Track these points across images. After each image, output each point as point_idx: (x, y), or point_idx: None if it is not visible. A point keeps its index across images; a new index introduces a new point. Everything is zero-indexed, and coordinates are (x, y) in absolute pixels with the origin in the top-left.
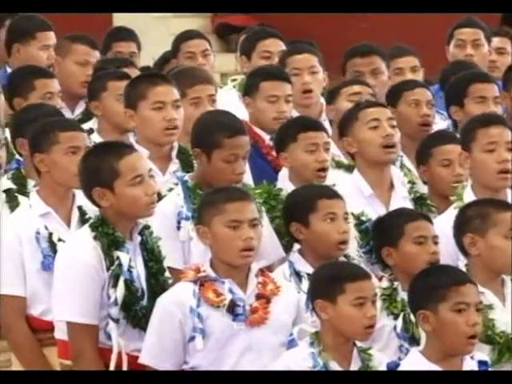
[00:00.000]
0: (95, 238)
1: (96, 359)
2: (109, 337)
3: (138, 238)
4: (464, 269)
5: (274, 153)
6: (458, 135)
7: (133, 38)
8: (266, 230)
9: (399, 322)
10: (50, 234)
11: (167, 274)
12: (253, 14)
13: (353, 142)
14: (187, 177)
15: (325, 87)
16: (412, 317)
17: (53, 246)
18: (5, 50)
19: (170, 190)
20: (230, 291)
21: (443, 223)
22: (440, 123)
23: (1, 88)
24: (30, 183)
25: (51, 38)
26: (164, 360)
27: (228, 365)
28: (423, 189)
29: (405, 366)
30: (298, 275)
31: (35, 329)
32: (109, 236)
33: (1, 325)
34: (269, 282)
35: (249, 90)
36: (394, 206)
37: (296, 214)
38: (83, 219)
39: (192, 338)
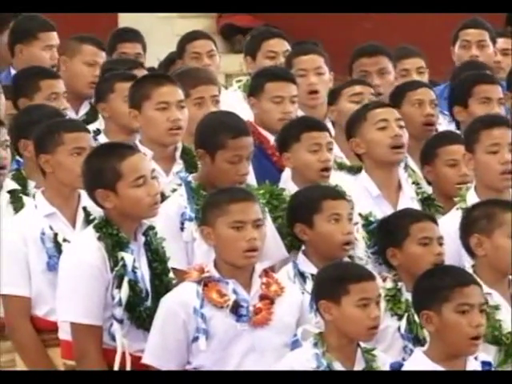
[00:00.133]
0: (99, 238)
1: (99, 360)
2: (113, 337)
3: (143, 239)
4: (470, 270)
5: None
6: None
7: (138, 38)
8: (269, 230)
9: (403, 323)
10: (55, 235)
11: (171, 274)
12: (257, 14)
13: (361, 143)
14: (191, 177)
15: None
16: (416, 317)
17: (58, 247)
18: (8, 52)
19: (174, 190)
20: (234, 292)
21: (446, 224)
22: (443, 124)
23: (1, 88)
24: (31, 184)
25: (54, 38)
26: (167, 360)
27: (231, 365)
28: (427, 189)
29: (408, 366)
30: (302, 276)
31: (40, 329)
32: (113, 237)
33: (5, 325)
34: (272, 282)
35: (254, 90)
36: (401, 207)
37: (300, 214)
38: (88, 220)
39: (195, 339)
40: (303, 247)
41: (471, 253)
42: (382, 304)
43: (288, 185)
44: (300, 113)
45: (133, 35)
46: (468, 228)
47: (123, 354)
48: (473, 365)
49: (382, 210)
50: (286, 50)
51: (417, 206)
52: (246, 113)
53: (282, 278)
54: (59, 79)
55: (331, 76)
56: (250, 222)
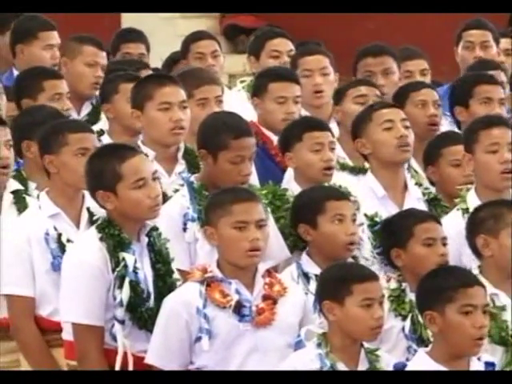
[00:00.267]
0: (101, 239)
1: (100, 360)
2: (114, 338)
3: (146, 240)
4: (476, 270)
5: None
6: None
7: (141, 39)
8: (272, 230)
9: (407, 323)
10: (59, 235)
11: (175, 275)
12: (260, 14)
13: (366, 144)
14: (193, 178)
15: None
16: (420, 318)
17: (62, 247)
18: (10, 53)
19: (176, 191)
20: (237, 292)
21: (447, 225)
22: (445, 125)
23: (2, 89)
24: (31, 185)
25: (54, 37)
26: (170, 360)
27: (234, 365)
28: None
29: (411, 366)
30: (305, 276)
31: (44, 329)
32: (114, 237)
33: (9, 325)
34: (275, 282)
35: (257, 91)
36: (407, 208)
37: (304, 215)
38: (92, 220)
39: (198, 339)
40: (307, 248)
41: (478, 253)
42: (386, 304)
43: (291, 185)
44: (305, 113)
45: (136, 36)
46: (475, 228)
47: (125, 354)
48: (476, 365)
49: (387, 211)
50: (289, 50)
51: (423, 207)
52: (249, 113)
53: (285, 278)
54: (62, 80)
55: (336, 76)
56: (253, 223)
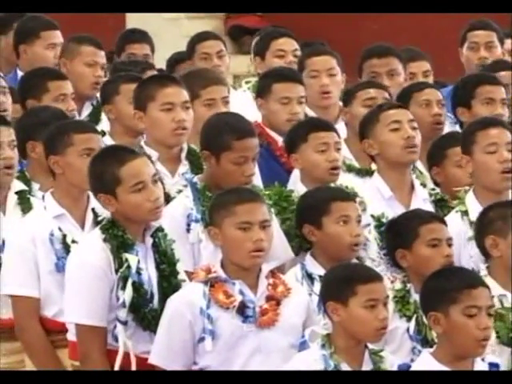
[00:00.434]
0: (105, 240)
1: (103, 361)
2: (117, 339)
3: (151, 241)
4: (485, 271)
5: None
6: None
7: (146, 39)
8: (276, 231)
9: (412, 324)
10: (64, 236)
11: (180, 276)
12: (265, 15)
13: (374, 144)
14: (196, 178)
15: (343, 89)
16: (425, 319)
17: (66, 248)
18: (13, 53)
19: (179, 191)
20: (241, 292)
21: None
22: (447, 125)
23: (8, 89)
24: (35, 186)
25: (56, 36)
26: (173, 360)
27: (237, 366)
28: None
29: (415, 367)
30: (310, 277)
31: (49, 330)
32: (118, 238)
33: (14, 325)
34: (279, 283)
35: (261, 91)
36: (413, 208)
37: (309, 215)
38: (97, 221)
39: (202, 339)
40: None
41: (486, 254)
42: (391, 305)
43: (297, 186)
44: (312, 114)
45: (141, 36)
46: (483, 229)
47: (127, 355)
48: (480, 366)
49: (394, 212)
50: (294, 49)
51: (429, 208)
52: (254, 114)
53: (289, 279)
54: (67, 80)
55: (343, 77)
56: (257, 223)
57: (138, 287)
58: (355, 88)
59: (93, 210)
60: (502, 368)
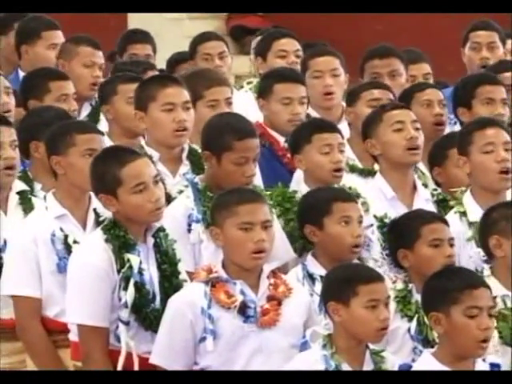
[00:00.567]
0: (107, 240)
1: (105, 361)
2: (119, 339)
3: (152, 241)
4: (488, 271)
5: (289, 155)
6: None
7: (148, 40)
8: (277, 231)
9: (413, 324)
10: (66, 236)
11: (182, 276)
12: (267, 15)
13: (376, 144)
14: (197, 179)
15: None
16: (426, 319)
17: (68, 248)
18: (15, 54)
19: (181, 192)
20: (242, 293)
21: None
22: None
23: (11, 89)
24: (37, 186)
25: (58, 36)
26: (174, 360)
27: (238, 366)
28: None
29: (416, 367)
30: (311, 277)
31: (50, 330)
32: (120, 238)
33: (16, 325)
34: (280, 283)
35: (263, 92)
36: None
37: (310, 216)
38: (98, 221)
39: (203, 339)
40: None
41: (490, 254)
42: (393, 305)
43: (301, 187)
44: (315, 114)
45: (143, 37)
46: (487, 229)
47: (130, 355)
48: (481, 367)
49: (397, 212)
50: (296, 50)
51: (432, 208)
52: (256, 114)
53: (290, 279)
54: (69, 81)
55: (347, 78)
56: (259, 224)
57: (139, 287)
58: (359, 88)
59: (94, 210)
60: (504, 368)
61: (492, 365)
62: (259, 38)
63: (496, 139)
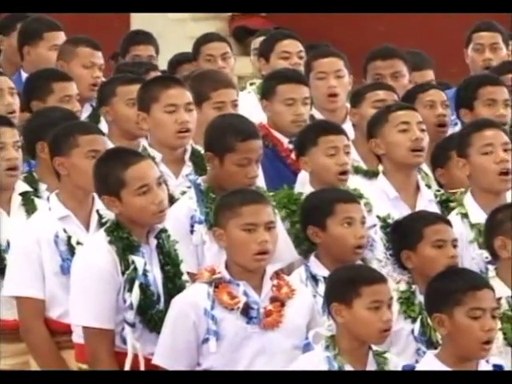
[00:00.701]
0: (110, 242)
1: (111, 363)
2: (125, 341)
3: (155, 242)
4: (493, 272)
5: (292, 156)
6: None
7: (151, 41)
8: (280, 232)
9: (417, 326)
10: (69, 238)
11: (184, 277)
12: (269, 16)
13: (381, 144)
14: (200, 180)
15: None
16: (430, 320)
17: (71, 250)
18: (17, 55)
19: (183, 193)
20: (245, 294)
21: None
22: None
23: (15, 91)
24: (42, 187)
25: (60, 37)
26: (177, 361)
27: (241, 367)
28: None
29: (419, 369)
30: (314, 278)
31: (53, 331)
32: (123, 240)
33: (19, 327)
34: (283, 284)
35: (266, 93)
36: (418, 210)
37: (313, 217)
38: (101, 223)
39: (206, 340)
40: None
41: (495, 255)
42: (396, 306)
43: (306, 189)
44: (319, 115)
45: (145, 37)
46: (492, 230)
47: (135, 357)
48: (484, 368)
49: (400, 212)
50: (299, 51)
51: (435, 209)
52: (259, 115)
53: (293, 280)
54: (72, 81)
55: (351, 79)
56: (262, 225)
57: (144, 289)
58: (364, 89)
59: (97, 211)
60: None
61: (495, 366)
62: (259, 38)
63: (495, 140)
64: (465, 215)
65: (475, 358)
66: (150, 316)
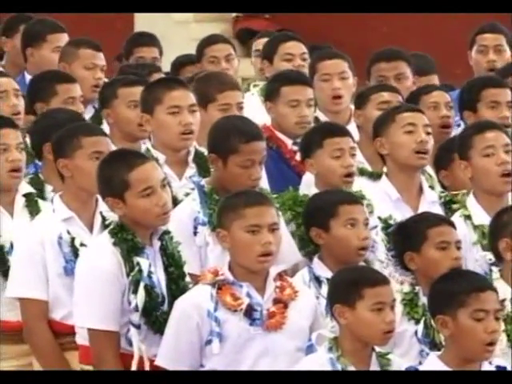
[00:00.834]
0: (114, 243)
1: (117, 365)
2: (130, 343)
3: (158, 244)
4: (497, 274)
5: (297, 157)
6: None
7: (154, 43)
8: (284, 234)
9: (420, 327)
10: (73, 239)
11: (188, 279)
12: (273, 17)
13: (386, 144)
14: (203, 182)
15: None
16: (433, 322)
17: (75, 251)
18: (21, 56)
19: (187, 195)
20: (248, 295)
21: None
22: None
23: (20, 92)
24: (48, 188)
25: (63, 39)
26: (180, 363)
27: (244, 369)
28: None
29: (422, 370)
30: (317, 280)
31: (57, 333)
32: (128, 242)
33: (23, 328)
34: (287, 286)
35: (270, 95)
36: (421, 211)
37: (316, 218)
38: (105, 225)
39: (209, 342)
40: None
41: (499, 257)
42: (399, 308)
43: (311, 190)
44: (323, 117)
45: (149, 39)
46: (497, 232)
47: (141, 358)
48: (487, 369)
49: (402, 214)
50: (302, 53)
51: (438, 210)
52: (263, 117)
53: (296, 282)
54: (75, 83)
55: (355, 80)
56: (266, 226)
57: (149, 291)
58: (369, 91)
59: (101, 213)
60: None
61: (498, 367)
62: (260, 40)
63: (496, 142)
64: (468, 217)
65: (478, 360)
66: (155, 318)
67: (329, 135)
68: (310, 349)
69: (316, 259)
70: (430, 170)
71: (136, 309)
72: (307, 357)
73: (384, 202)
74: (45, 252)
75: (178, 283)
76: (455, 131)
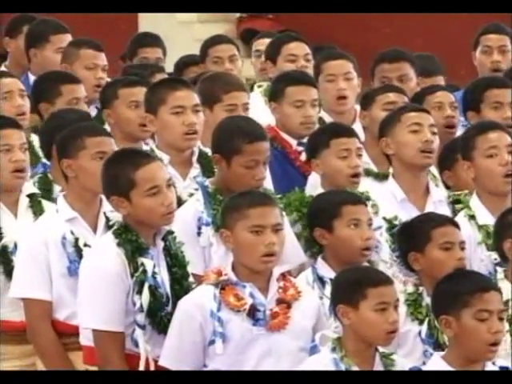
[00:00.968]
0: (119, 244)
1: (123, 366)
2: (135, 343)
3: (162, 244)
4: (502, 274)
5: (301, 158)
6: None
7: (158, 43)
8: (288, 234)
9: (424, 328)
10: (76, 239)
11: (191, 279)
12: (277, 18)
13: (391, 144)
14: (208, 182)
15: (360, 93)
16: (437, 322)
17: (79, 251)
18: (24, 57)
19: (191, 195)
20: (251, 295)
21: None
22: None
23: (25, 93)
24: (57, 188)
25: (66, 40)
26: (183, 363)
27: (247, 369)
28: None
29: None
30: (321, 280)
31: (61, 333)
32: (132, 242)
33: (26, 328)
34: (290, 286)
35: (274, 95)
36: (426, 211)
37: (320, 219)
38: (109, 225)
39: (212, 342)
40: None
41: (504, 257)
42: (403, 308)
43: (317, 191)
44: (327, 118)
45: (153, 40)
46: (502, 232)
47: (146, 359)
48: (491, 370)
49: (408, 214)
50: (306, 54)
51: (445, 210)
52: (267, 117)
53: (300, 282)
54: (80, 84)
55: (360, 81)
56: (269, 227)
57: (154, 291)
58: (375, 92)
59: (104, 213)
60: None
61: (502, 368)
62: (260, 40)
63: (499, 142)
64: (472, 217)
65: (482, 360)
66: (160, 318)
67: (335, 135)
68: (313, 349)
69: (320, 259)
70: (434, 170)
71: (141, 309)
72: (311, 357)
73: (390, 202)
74: (48, 252)
75: (181, 283)
76: (460, 132)
